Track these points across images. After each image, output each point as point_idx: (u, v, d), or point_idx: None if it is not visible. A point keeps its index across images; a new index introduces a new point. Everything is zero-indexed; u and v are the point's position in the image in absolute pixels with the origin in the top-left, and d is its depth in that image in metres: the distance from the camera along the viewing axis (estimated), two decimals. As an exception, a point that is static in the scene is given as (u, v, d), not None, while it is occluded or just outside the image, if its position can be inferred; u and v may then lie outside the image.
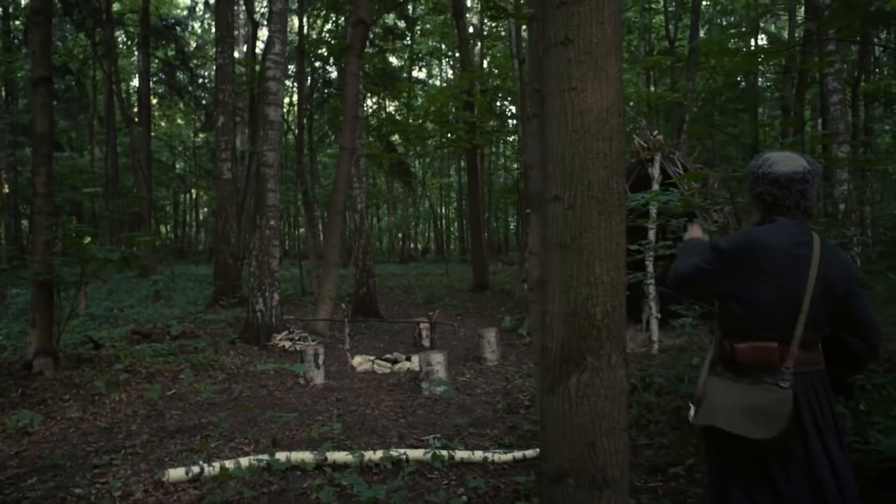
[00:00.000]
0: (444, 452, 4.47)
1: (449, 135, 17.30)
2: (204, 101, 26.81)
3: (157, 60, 25.03)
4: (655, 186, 8.56)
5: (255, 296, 9.11)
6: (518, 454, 4.52)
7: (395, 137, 23.59)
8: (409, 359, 8.17)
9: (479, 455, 4.50)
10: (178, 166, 36.14)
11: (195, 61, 27.85)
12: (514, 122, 20.50)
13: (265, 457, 4.29)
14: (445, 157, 37.87)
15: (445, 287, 19.64)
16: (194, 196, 41.31)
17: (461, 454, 4.49)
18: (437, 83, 37.11)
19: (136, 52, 29.39)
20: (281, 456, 4.31)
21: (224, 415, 5.58)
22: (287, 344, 8.92)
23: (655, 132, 8.79)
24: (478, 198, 19.56)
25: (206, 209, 43.87)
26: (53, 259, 7.15)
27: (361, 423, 5.50)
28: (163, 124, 37.99)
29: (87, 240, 7.66)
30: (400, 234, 39.94)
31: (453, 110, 16.66)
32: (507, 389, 6.84)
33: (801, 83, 16.06)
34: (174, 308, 13.46)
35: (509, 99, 20.19)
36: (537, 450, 4.55)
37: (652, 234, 8.50)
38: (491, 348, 8.28)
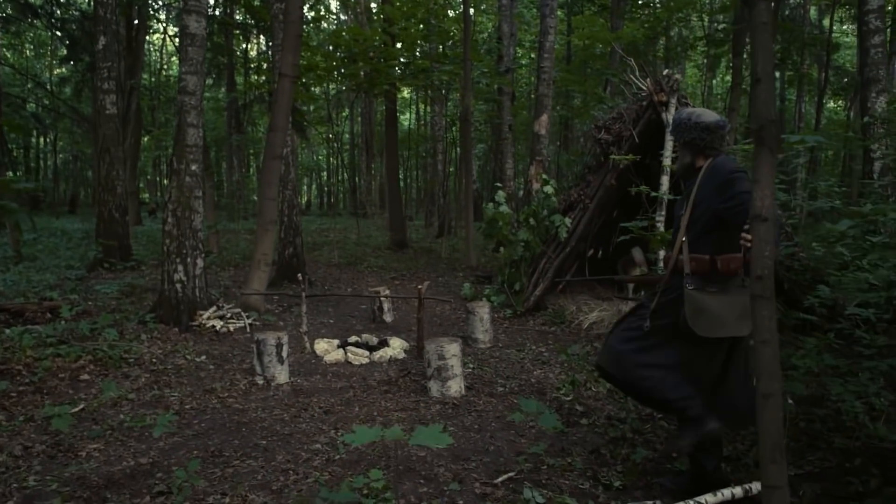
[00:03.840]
0: (563, 517, 2.93)
1: (364, 73, 15.24)
2: (64, 27, 22.84)
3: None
4: (669, 134, 7.24)
5: (172, 262, 7.02)
6: (662, 512, 3.06)
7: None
8: (384, 342, 6.49)
9: (608, 517, 3.00)
10: (30, 105, 31.27)
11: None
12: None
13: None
14: (334, 105, 35.43)
15: (357, 244, 17.84)
16: (51, 139, 36.32)
17: (585, 518, 2.97)
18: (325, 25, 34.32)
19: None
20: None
21: (177, 451, 3.73)
22: (217, 324, 6.96)
23: (666, 71, 7.44)
24: (395, 147, 17.74)
25: (63, 154, 38.97)
26: None
27: (384, 455, 3.83)
28: (8, 55, 32.84)
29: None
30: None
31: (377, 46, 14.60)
32: (534, 385, 5.36)
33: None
34: (45, 273, 10.88)
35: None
36: (690, 504, 3.11)
37: (664, 189, 7.23)
38: (483, 327, 6.74)
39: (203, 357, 6.02)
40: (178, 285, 7.00)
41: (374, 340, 6.60)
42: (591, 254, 8.83)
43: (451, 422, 4.47)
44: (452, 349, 5.03)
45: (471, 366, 5.86)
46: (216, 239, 15.24)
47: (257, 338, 5.31)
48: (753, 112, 2.55)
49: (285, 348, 5.36)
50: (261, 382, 5.25)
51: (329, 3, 35.82)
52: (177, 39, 24.77)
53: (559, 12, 23.85)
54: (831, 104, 30.90)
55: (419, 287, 6.16)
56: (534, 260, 8.10)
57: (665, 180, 7.26)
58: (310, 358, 6.14)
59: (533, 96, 26.45)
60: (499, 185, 10.50)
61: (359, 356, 5.98)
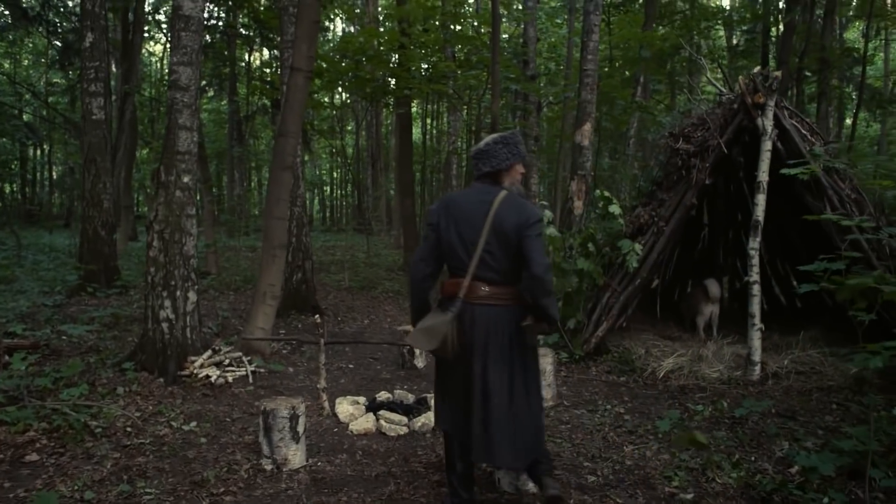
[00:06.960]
0: None
1: (379, 78, 14.01)
2: (58, 32, 21.61)
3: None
4: (768, 144, 5.95)
5: (157, 296, 5.67)
6: None
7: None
8: (422, 402, 5.14)
9: None
10: (25, 115, 29.97)
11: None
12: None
13: None
14: (340, 117, 34.13)
15: (368, 265, 16.52)
16: (46, 150, 35.08)
17: None
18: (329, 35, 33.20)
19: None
20: None
21: None
22: (213, 373, 5.60)
23: (763, 68, 6.15)
24: (410, 158, 16.44)
25: (59, 166, 37.67)
26: None
27: None
28: (6, 65, 31.76)
29: None
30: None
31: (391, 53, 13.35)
32: (632, 471, 3.99)
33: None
34: (21, 297, 9.52)
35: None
36: None
37: (760, 210, 5.93)
38: (545, 381, 5.39)
39: (193, 424, 4.67)
40: (165, 325, 5.65)
41: (410, 398, 5.25)
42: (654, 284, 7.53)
43: (543, 543, 3.12)
44: (531, 428, 3.68)
45: (540, 438, 4.50)
46: (215, 259, 13.91)
47: (265, 408, 3.96)
48: None
49: (301, 421, 4.01)
50: (269, 468, 3.90)
51: (335, 13, 34.75)
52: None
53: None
54: (848, 121, 29.66)
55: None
56: (594, 293, 6.77)
57: (761, 199, 5.96)
58: (331, 425, 4.78)
59: (547, 109, 25.16)
60: (544, 203, 9.19)
61: (395, 425, 4.62)
